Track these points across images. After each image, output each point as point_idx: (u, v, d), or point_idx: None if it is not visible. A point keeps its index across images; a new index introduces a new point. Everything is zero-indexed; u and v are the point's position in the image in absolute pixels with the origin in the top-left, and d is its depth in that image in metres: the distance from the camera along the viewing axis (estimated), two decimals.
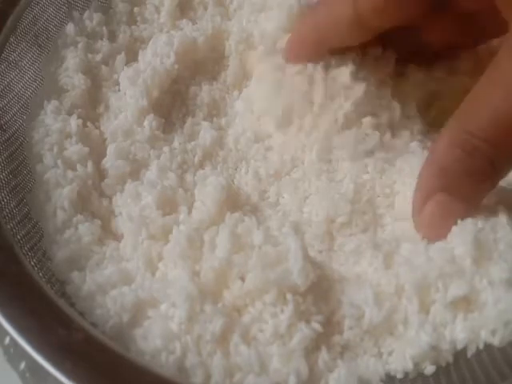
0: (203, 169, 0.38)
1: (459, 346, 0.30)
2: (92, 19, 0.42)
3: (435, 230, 0.31)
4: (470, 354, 0.30)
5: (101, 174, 0.37)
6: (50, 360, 0.26)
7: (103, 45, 0.42)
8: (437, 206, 0.31)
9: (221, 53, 0.42)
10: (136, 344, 0.29)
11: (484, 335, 0.30)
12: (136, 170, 0.37)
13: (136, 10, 0.44)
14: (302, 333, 0.29)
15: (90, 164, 0.36)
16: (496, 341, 0.30)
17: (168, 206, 0.35)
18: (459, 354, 0.30)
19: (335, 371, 0.30)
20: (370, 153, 0.37)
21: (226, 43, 0.42)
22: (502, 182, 0.34)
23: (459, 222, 0.32)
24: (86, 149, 0.36)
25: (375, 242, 0.33)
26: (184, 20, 0.44)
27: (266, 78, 0.39)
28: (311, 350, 0.30)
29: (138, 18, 0.44)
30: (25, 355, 0.28)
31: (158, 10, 0.44)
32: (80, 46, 0.41)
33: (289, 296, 0.30)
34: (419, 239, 0.33)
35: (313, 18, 0.38)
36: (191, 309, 0.29)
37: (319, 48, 0.37)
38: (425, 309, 0.31)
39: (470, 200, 0.31)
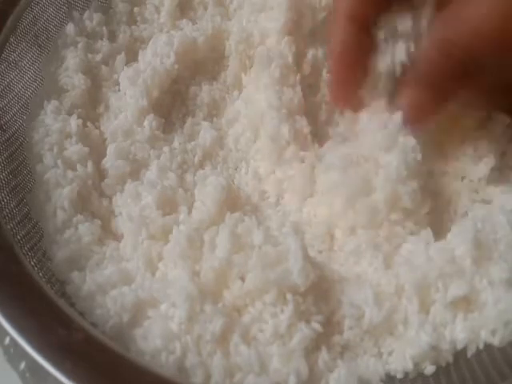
0: (203, 169, 0.38)
1: (459, 346, 0.30)
2: (92, 19, 0.42)
3: (409, 116, 0.34)
4: (470, 354, 0.30)
5: (101, 174, 0.37)
6: (50, 360, 0.26)
7: (103, 45, 0.42)
8: (411, 95, 0.34)
9: (221, 53, 0.42)
10: (136, 344, 0.29)
11: (484, 335, 0.30)
12: (136, 170, 0.37)
13: (136, 9, 0.44)
14: (302, 333, 0.29)
15: (89, 164, 0.36)
16: (496, 341, 0.30)
17: (168, 206, 0.35)
18: (459, 354, 0.30)
19: (335, 371, 0.30)
20: None
21: (226, 43, 0.42)
22: (502, 183, 0.34)
23: (459, 222, 0.32)
24: (86, 149, 0.36)
25: (375, 242, 0.33)
26: (184, 20, 0.44)
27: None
28: (311, 350, 0.30)
29: (138, 18, 0.44)
30: (25, 355, 0.28)
31: (158, 10, 0.44)
32: (80, 46, 0.41)
33: (289, 296, 0.30)
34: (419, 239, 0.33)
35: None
36: (191, 309, 0.29)
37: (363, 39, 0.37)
38: (425, 309, 0.31)
39: (442, 96, 0.34)
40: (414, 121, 0.34)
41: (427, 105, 0.34)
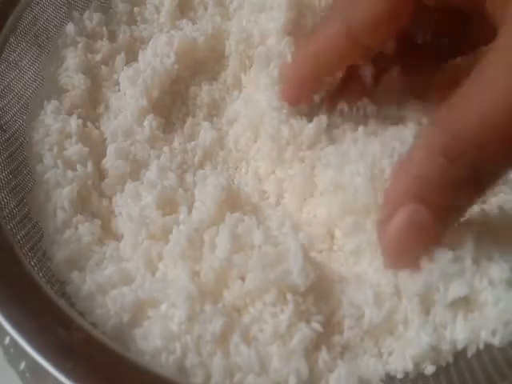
0: (203, 169, 0.38)
1: (459, 346, 0.30)
2: (92, 19, 0.42)
3: (399, 244, 0.28)
4: (470, 354, 0.30)
5: (101, 174, 0.37)
6: (50, 360, 0.26)
7: (103, 45, 0.42)
8: (408, 216, 0.27)
9: (221, 53, 0.42)
10: (136, 344, 0.29)
11: (484, 335, 0.30)
12: (136, 170, 0.37)
13: (136, 9, 0.44)
14: (302, 333, 0.29)
15: (89, 164, 0.36)
16: (496, 341, 0.30)
17: (168, 206, 0.35)
18: (459, 354, 0.30)
19: (335, 371, 0.30)
20: None
21: (226, 43, 0.42)
22: (502, 183, 0.34)
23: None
24: (86, 149, 0.36)
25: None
26: (184, 20, 0.44)
27: None
28: (311, 349, 0.30)
29: (138, 18, 0.44)
30: (25, 355, 0.28)
31: (157, 9, 0.44)
32: (80, 46, 0.41)
33: (289, 296, 0.30)
34: None
35: (307, 47, 0.36)
36: (191, 309, 0.29)
37: (317, 76, 0.36)
38: (425, 309, 0.31)
39: (447, 217, 0.28)
40: (405, 260, 0.29)
41: (428, 228, 0.27)
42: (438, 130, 0.27)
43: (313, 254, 0.33)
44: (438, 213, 0.27)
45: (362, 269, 0.33)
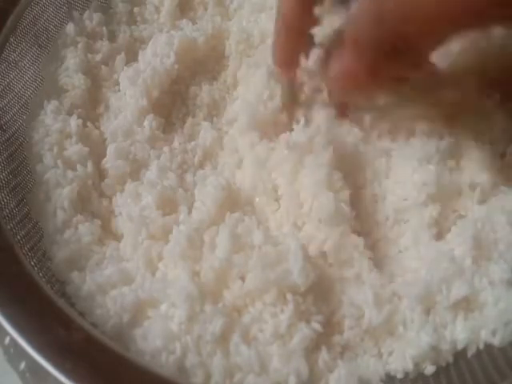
0: (203, 169, 0.38)
1: (459, 346, 0.30)
2: (92, 19, 0.42)
3: (336, 85, 0.32)
4: (470, 354, 0.30)
5: (101, 174, 0.37)
6: (50, 360, 0.26)
7: (103, 45, 0.42)
8: (346, 63, 0.31)
9: (221, 53, 0.42)
10: (136, 344, 0.29)
11: (484, 335, 0.30)
12: (136, 170, 0.37)
13: (136, 10, 0.44)
14: (302, 333, 0.29)
15: (89, 164, 0.36)
16: (496, 341, 0.30)
17: (168, 206, 0.35)
18: (459, 354, 0.30)
19: (335, 371, 0.30)
20: None
21: (226, 43, 0.42)
22: (502, 183, 0.34)
23: (459, 222, 0.32)
24: (86, 149, 0.36)
25: (375, 242, 0.33)
26: (184, 20, 0.44)
27: None
28: (311, 350, 0.30)
29: (138, 18, 0.44)
30: (25, 355, 0.28)
31: (158, 10, 0.44)
32: (80, 46, 0.41)
33: (289, 296, 0.30)
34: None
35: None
36: (191, 309, 0.29)
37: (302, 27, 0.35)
38: (425, 309, 0.31)
39: (374, 70, 0.30)
40: (346, 90, 0.32)
41: (358, 73, 0.30)
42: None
43: (313, 254, 0.33)
44: (365, 60, 0.30)
45: (362, 269, 0.33)
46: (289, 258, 0.30)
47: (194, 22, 0.44)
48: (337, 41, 0.32)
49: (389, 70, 0.31)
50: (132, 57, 0.42)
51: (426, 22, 0.28)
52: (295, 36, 0.35)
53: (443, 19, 0.28)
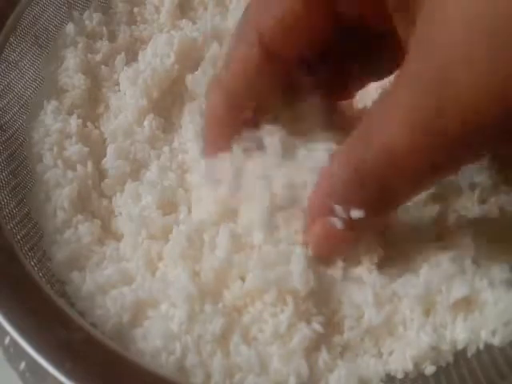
0: None
1: (459, 346, 0.30)
2: (92, 19, 0.42)
3: (320, 249, 0.31)
4: (470, 354, 0.30)
5: (101, 174, 0.37)
6: (49, 360, 0.26)
7: (103, 45, 0.42)
8: (323, 228, 0.30)
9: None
10: (136, 344, 0.29)
11: (484, 335, 0.30)
12: (136, 170, 0.37)
13: (136, 10, 0.44)
14: (302, 333, 0.29)
15: (89, 164, 0.36)
16: (496, 341, 0.30)
17: (168, 206, 0.35)
18: (459, 354, 0.30)
19: (335, 371, 0.30)
20: None
21: (226, 43, 0.42)
22: (502, 183, 0.34)
23: (459, 222, 0.32)
24: (86, 149, 0.36)
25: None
26: (184, 20, 0.44)
27: None
28: (311, 350, 0.30)
29: (138, 18, 0.44)
30: (25, 355, 0.28)
31: (158, 10, 0.44)
32: (80, 46, 0.41)
33: (289, 298, 0.30)
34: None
35: (219, 85, 0.33)
36: (191, 309, 0.29)
37: (235, 116, 0.33)
38: (425, 309, 0.31)
39: (357, 227, 0.29)
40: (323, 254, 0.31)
41: (341, 236, 0.30)
42: (350, 152, 0.29)
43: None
44: (349, 223, 0.29)
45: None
46: (289, 258, 0.30)
47: (194, 22, 0.44)
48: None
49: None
50: (132, 57, 0.42)
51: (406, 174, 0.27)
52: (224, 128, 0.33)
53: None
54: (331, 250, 0.31)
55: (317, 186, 0.30)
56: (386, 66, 0.33)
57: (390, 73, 0.33)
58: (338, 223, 0.29)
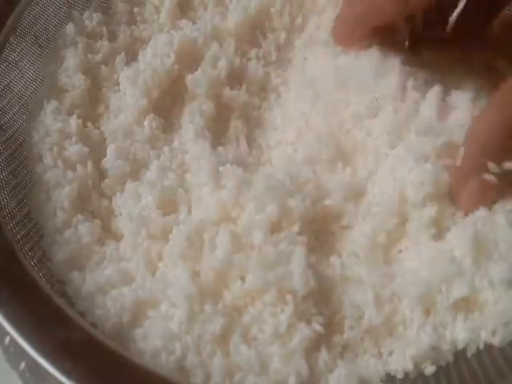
0: None
1: (459, 346, 0.30)
2: (92, 19, 0.42)
3: (477, 203, 0.33)
4: (470, 353, 0.30)
5: (101, 174, 0.37)
6: (49, 360, 0.26)
7: (103, 45, 0.42)
8: (479, 185, 0.32)
9: None
10: (136, 344, 0.29)
11: (484, 335, 0.30)
12: (136, 170, 0.37)
13: (136, 10, 0.44)
14: (302, 333, 0.29)
15: (89, 164, 0.36)
16: (496, 341, 0.30)
17: (168, 206, 0.35)
18: (459, 354, 0.30)
19: (335, 371, 0.30)
20: None
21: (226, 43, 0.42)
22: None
23: (459, 222, 0.32)
24: (86, 149, 0.36)
25: (376, 242, 0.33)
26: (184, 20, 0.44)
27: None
28: (311, 350, 0.30)
29: (138, 18, 0.44)
30: (25, 355, 0.28)
31: (157, 9, 0.44)
32: (80, 46, 0.41)
33: (288, 297, 0.30)
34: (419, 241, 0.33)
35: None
36: (191, 309, 0.29)
37: (364, 28, 0.38)
38: (425, 309, 0.31)
39: (506, 178, 0.32)
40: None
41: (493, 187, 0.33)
42: (502, 110, 0.32)
43: (313, 254, 0.33)
44: (502, 176, 0.32)
45: (362, 269, 0.33)
46: (289, 258, 0.30)
47: (193, 22, 0.43)
48: None
49: None
50: (132, 57, 0.42)
51: None
52: None
53: None
54: (487, 202, 0.33)
55: (467, 146, 0.33)
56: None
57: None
58: (493, 179, 0.32)
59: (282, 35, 0.43)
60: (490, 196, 0.33)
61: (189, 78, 0.40)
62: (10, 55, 0.39)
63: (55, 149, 0.36)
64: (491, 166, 0.32)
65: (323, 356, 0.30)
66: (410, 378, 0.30)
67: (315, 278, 0.30)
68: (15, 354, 0.31)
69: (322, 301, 0.31)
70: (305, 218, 0.33)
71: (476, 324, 0.30)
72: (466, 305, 0.30)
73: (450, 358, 0.30)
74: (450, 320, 0.30)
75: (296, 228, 0.32)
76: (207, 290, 0.30)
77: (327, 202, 0.34)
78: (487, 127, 0.33)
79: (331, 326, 0.31)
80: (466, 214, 0.33)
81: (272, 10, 0.43)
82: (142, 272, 0.32)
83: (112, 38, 0.43)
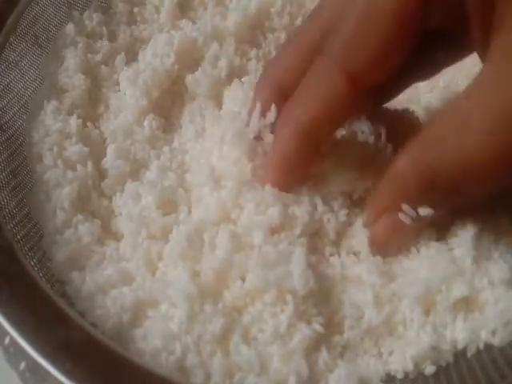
0: None
1: (459, 346, 0.30)
2: (92, 19, 0.42)
3: (385, 242, 0.32)
4: (470, 354, 0.30)
5: (101, 174, 0.37)
6: (49, 360, 0.26)
7: (103, 45, 0.42)
8: (390, 223, 0.31)
9: None
10: (136, 344, 0.29)
11: (484, 335, 0.30)
12: (136, 170, 0.37)
13: (136, 10, 0.44)
14: (302, 333, 0.29)
15: (89, 164, 0.36)
16: (496, 341, 0.30)
17: (168, 206, 0.35)
18: (459, 354, 0.30)
19: (335, 371, 0.30)
20: None
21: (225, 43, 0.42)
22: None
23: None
24: (86, 149, 0.36)
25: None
26: (184, 20, 0.44)
27: None
28: (311, 350, 0.30)
29: (138, 18, 0.44)
30: (25, 355, 0.28)
31: (157, 10, 0.44)
32: (80, 46, 0.41)
33: (288, 297, 0.30)
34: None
35: (296, 126, 0.32)
36: (191, 309, 0.29)
37: (310, 156, 0.33)
38: (425, 309, 0.31)
39: (422, 221, 0.31)
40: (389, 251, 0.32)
41: (407, 230, 0.31)
42: (417, 151, 0.30)
43: (313, 254, 0.33)
44: (415, 219, 0.30)
45: (362, 269, 0.33)
46: (289, 258, 0.30)
47: (193, 22, 0.44)
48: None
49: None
50: (132, 57, 0.42)
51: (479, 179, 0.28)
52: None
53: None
54: (396, 243, 0.32)
55: (384, 183, 0.31)
56: (436, 67, 0.34)
57: (435, 74, 0.35)
58: (407, 219, 0.30)
59: (282, 35, 0.43)
60: (401, 238, 0.31)
61: (189, 78, 0.40)
62: (10, 55, 0.38)
63: (55, 149, 0.36)
64: (407, 208, 0.30)
65: (323, 356, 0.30)
66: (410, 378, 0.30)
67: (315, 277, 0.30)
68: (15, 354, 0.31)
69: (321, 301, 0.31)
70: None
71: (476, 324, 0.30)
72: (466, 305, 0.30)
73: (450, 358, 0.30)
74: (450, 320, 0.30)
75: (297, 231, 0.32)
76: (207, 289, 0.30)
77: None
78: (415, 160, 0.29)
79: (331, 326, 0.31)
80: (373, 251, 0.32)
81: (272, 9, 0.43)
82: (142, 272, 0.32)
83: (112, 37, 0.43)
